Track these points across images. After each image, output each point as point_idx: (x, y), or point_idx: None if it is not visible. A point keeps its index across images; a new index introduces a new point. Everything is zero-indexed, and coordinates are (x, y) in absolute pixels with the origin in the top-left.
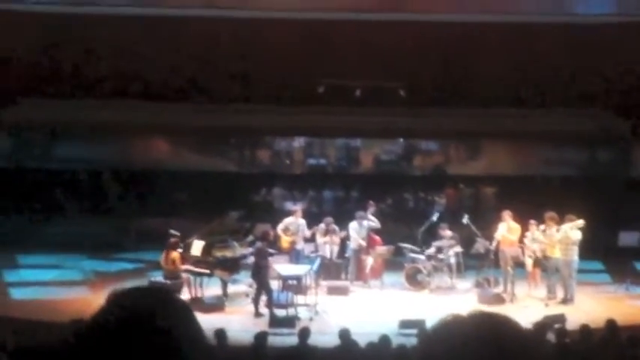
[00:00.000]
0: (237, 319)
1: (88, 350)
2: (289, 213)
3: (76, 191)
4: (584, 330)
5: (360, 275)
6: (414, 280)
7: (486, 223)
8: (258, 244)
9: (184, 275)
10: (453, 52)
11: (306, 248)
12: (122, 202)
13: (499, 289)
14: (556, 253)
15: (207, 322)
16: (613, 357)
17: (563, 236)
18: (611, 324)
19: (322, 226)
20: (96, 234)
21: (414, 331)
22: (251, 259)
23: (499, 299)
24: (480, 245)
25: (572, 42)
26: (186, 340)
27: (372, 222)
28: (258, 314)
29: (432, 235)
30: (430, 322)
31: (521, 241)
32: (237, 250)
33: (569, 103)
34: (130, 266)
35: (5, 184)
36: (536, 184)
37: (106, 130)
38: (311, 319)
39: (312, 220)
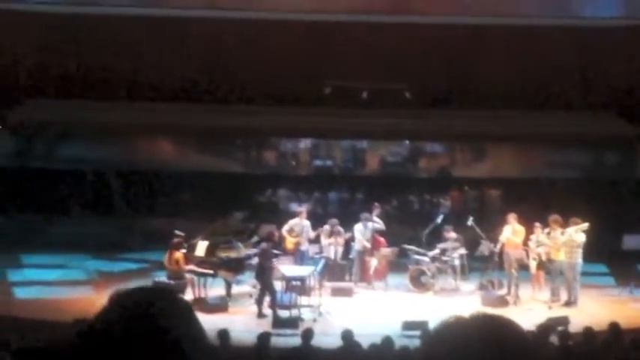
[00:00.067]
0: (241, 320)
1: (90, 350)
2: (294, 214)
3: (81, 191)
4: (588, 333)
5: (364, 277)
6: (418, 282)
7: (491, 225)
8: (263, 244)
9: (188, 276)
10: (458, 55)
11: (311, 249)
12: (127, 202)
13: (503, 292)
14: (560, 256)
15: (211, 322)
16: None
17: (567, 239)
18: (614, 327)
19: (327, 227)
20: (100, 234)
21: (418, 332)
22: (255, 260)
23: (503, 301)
24: (485, 247)
25: (577, 44)
26: (187, 341)
27: (377, 224)
28: (261, 315)
29: (436, 237)
30: (434, 324)
31: (525, 243)
32: (242, 250)
33: (574, 105)
34: (134, 266)
35: (10, 184)
36: (540, 187)
37: (110, 130)
38: (314, 320)
39: (317, 221)
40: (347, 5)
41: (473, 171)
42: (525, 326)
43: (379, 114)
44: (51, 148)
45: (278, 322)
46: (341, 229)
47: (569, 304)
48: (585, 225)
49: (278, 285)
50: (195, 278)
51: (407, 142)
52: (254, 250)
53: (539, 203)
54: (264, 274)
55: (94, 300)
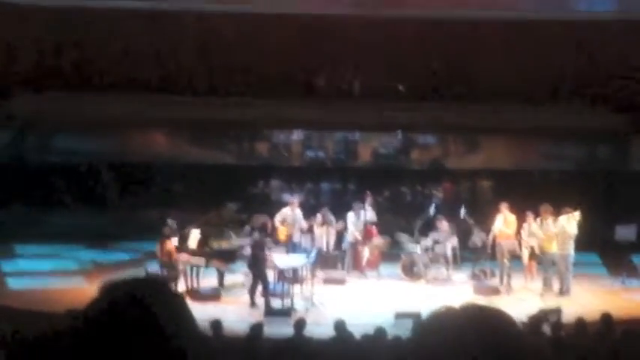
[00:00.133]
0: (233, 310)
1: (81, 341)
2: (287, 205)
3: (74, 182)
4: (580, 323)
5: (356, 266)
6: (411, 272)
7: (483, 215)
8: (255, 235)
9: (181, 266)
10: (451, 48)
11: (303, 239)
12: (120, 193)
13: (495, 282)
14: (553, 247)
15: (203, 312)
16: (608, 350)
17: (559, 229)
18: (606, 317)
19: (319, 217)
20: (93, 224)
21: (410, 322)
22: (248, 250)
23: (495, 291)
24: (477, 238)
25: (571, 38)
26: (179, 331)
27: (369, 214)
28: (254, 305)
29: (429, 227)
30: (426, 314)
31: (517, 234)
32: (234, 240)
33: (567, 98)
34: (127, 257)
35: (3, 175)
36: (533, 178)
37: (104, 122)
38: (307, 310)
39: (310, 211)
40: None
41: (465, 162)
42: (517, 316)
43: (372, 106)
44: (44, 139)
45: (270, 312)
46: (333, 219)
47: (561, 294)
48: (577, 215)
49: (270, 275)
50: (188, 268)
51: (399, 133)
52: (246, 240)
53: (531, 195)
54: (256, 264)
55: (88, 290)
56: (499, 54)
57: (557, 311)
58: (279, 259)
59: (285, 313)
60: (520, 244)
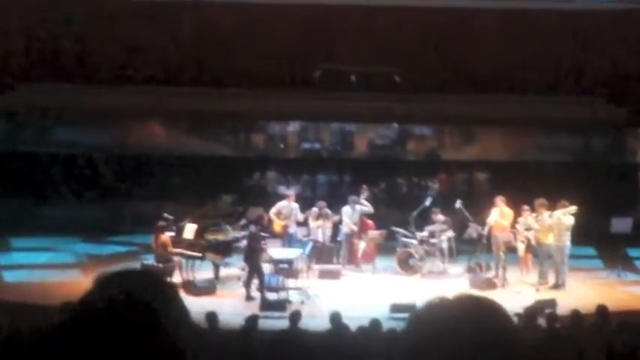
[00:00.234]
0: (229, 303)
1: (75, 332)
2: (282, 197)
3: (70, 175)
4: (575, 315)
5: (352, 259)
6: (406, 265)
7: (479, 208)
8: (251, 227)
9: (176, 258)
10: (448, 38)
11: (299, 232)
12: (116, 185)
13: (491, 274)
14: (549, 239)
15: (199, 305)
16: (603, 342)
17: (555, 222)
18: (602, 310)
19: (315, 210)
20: (89, 217)
21: (406, 315)
22: (243, 243)
23: (491, 284)
24: (473, 230)
25: (568, 28)
26: (172, 322)
27: (365, 206)
28: (249, 297)
29: (424, 219)
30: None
31: (513, 226)
32: (230, 233)
33: (563, 89)
34: (122, 249)
35: None
36: (529, 170)
37: (100, 114)
38: (302, 303)
39: (306, 204)
40: None
41: (461, 154)
42: (513, 309)
43: (368, 97)
44: (40, 131)
45: (266, 305)
46: (329, 212)
47: (557, 286)
48: (573, 208)
49: (266, 268)
50: (184, 261)
51: (395, 125)
52: (242, 233)
53: (527, 186)
54: (252, 257)
55: (83, 283)
56: (496, 44)
57: (553, 303)
58: (275, 251)
59: (281, 305)
60: (515, 237)
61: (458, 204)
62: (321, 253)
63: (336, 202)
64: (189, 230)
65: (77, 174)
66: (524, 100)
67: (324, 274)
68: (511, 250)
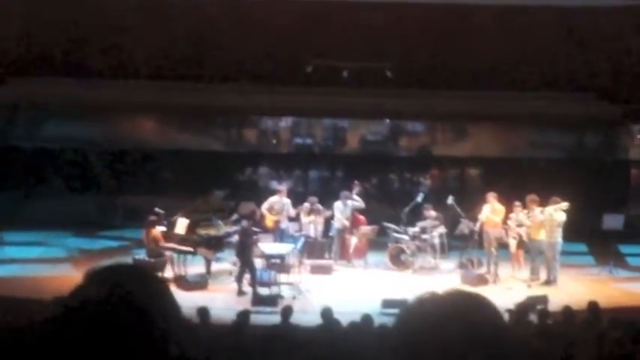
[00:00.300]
0: (221, 297)
1: (65, 327)
2: (274, 192)
3: (62, 169)
4: (567, 312)
5: (343, 255)
6: (398, 260)
7: (471, 204)
8: (243, 222)
9: (168, 253)
10: (441, 34)
11: (291, 227)
12: (107, 180)
13: (482, 270)
14: (540, 235)
15: (191, 299)
16: (595, 339)
17: (547, 218)
18: (593, 306)
19: (307, 205)
20: (81, 212)
21: (397, 310)
22: (235, 238)
23: (482, 280)
24: (464, 226)
25: (560, 25)
26: (162, 317)
27: (357, 202)
28: (241, 292)
29: (416, 215)
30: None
31: (505, 222)
32: (222, 228)
33: (555, 86)
34: (114, 244)
35: None
36: (521, 167)
37: (92, 108)
38: (294, 298)
39: (297, 199)
40: None
41: (453, 150)
42: (504, 305)
43: (360, 93)
44: (32, 125)
45: (258, 300)
46: (321, 207)
47: (548, 283)
48: (565, 204)
49: (258, 263)
50: (175, 256)
51: (387, 120)
52: (234, 228)
53: (519, 183)
54: (244, 252)
55: (75, 278)
56: (489, 40)
57: (545, 300)
58: (267, 246)
59: (273, 300)
60: (507, 233)
61: (450, 200)
62: (312, 249)
63: (327, 198)
64: (181, 225)
65: (69, 168)
66: (517, 96)
67: (315, 270)
68: (503, 246)
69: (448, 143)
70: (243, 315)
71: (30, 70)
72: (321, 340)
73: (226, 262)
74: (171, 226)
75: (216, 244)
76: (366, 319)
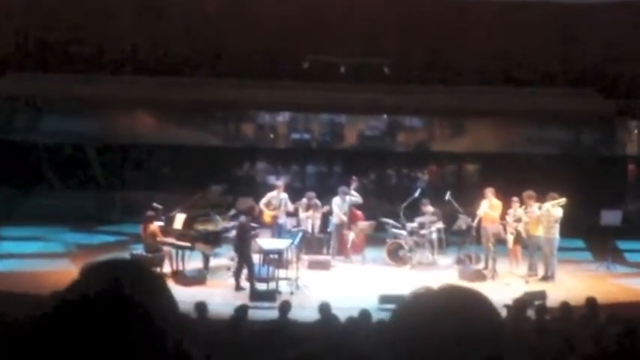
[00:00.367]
0: (219, 293)
1: (62, 323)
2: (272, 187)
3: (60, 164)
4: (564, 307)
5: (341, 250)
6: (396, 256)
7: (468, 199)
8: (241, 218)
9: (166, 248)
10: (439, 30)
11: (289, 222)
12: (105, 175)
13: (480, 266)
14: (538, 231)
15: (189, 295)
16: (592, 334)
17: (544, 214)
18: (591, 302)
19: (304, 200)
20: (79, 207)
21: (394, 306)
22: (233, 233)
23: (480, 276)
24: (462, 222)
25: (557, 20)
26: (159, 313)
27: (354, 197)
28: (239, 288)
29: (414, 211)
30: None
31: (502, 218)
32: (220, 223)
33: (553, 82)
34: (112, 239)
35: None
36: (519, 162)
37: (90, 103)
38: (292, 293)
39: (295, 194)
40: None
41: (451, 146)
42: (502, 300)
43: (358, 88)
44: (30, 120)
45: (255, 295)
46: (318, 203)
47: (546, 278)
48: (563, 200)
49: (256, 258)
50: (173, 251)
51: (385, 116)
52: (232, 223)
53: (517, 178)
54: (242, 247)
55: (73, 273)
56: (486, 36)
57: (542, 295)
58: (265, 242)
59: (270, 296)
60: (505, 228)
61: (447, 195)
62: (310, 244)
63: (325, 193)
64: (179, 220)
65: (67, 164)
66: (514, 92)
67: (313, 265)
68: (500, 241)
69: (446, 139)
70: (241, 310)
71: (27, 64)
72: (319, 336)
73: (224, 257)
74: (169, 221)
75: (214, 240)
76: (364, 314)
